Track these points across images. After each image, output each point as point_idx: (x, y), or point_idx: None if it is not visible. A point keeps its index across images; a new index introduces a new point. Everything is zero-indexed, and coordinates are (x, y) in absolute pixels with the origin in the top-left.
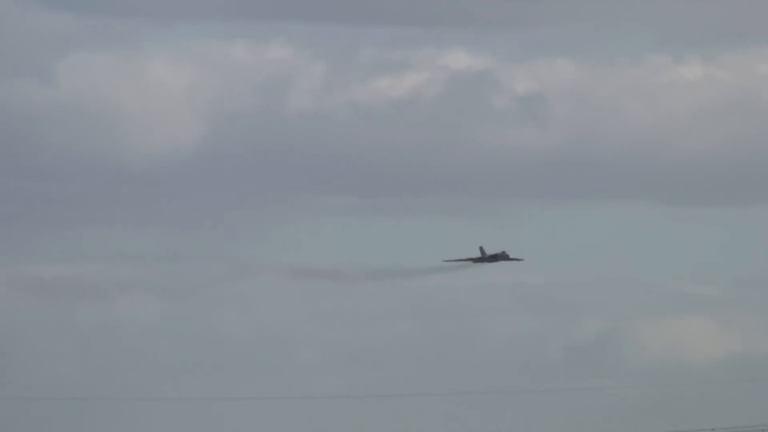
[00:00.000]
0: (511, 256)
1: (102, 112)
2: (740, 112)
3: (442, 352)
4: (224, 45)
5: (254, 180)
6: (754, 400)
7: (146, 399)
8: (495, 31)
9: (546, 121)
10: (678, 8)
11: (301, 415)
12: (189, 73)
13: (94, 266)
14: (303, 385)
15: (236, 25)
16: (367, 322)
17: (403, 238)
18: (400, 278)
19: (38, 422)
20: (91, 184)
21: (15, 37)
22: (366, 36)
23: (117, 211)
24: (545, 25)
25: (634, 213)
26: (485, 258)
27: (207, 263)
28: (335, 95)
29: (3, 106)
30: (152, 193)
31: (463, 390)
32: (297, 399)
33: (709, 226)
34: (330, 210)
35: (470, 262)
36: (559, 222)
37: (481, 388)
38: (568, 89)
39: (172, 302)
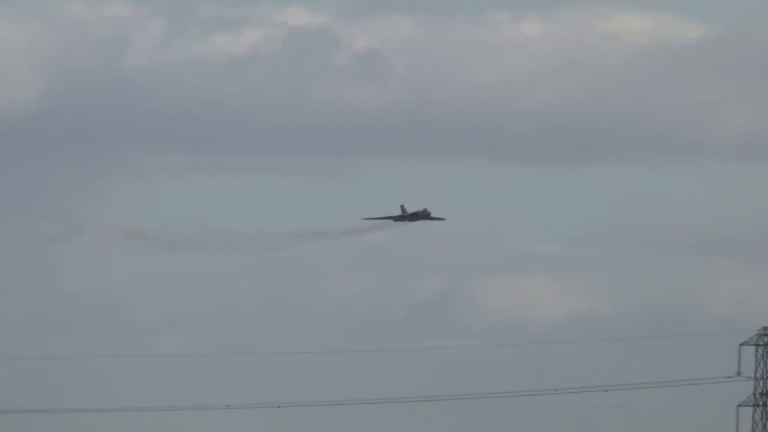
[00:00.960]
0: (432, 215)
1: None
2: (580, 69)
3: (284, 312)
4: (63, 1)
5: (93, 137)
6: (595, 360)
7: None
8: None
9: (385, 78)
10: None
11: (139, 374)
12: (28, 30)
13: None
14: (140, 344)
15: None
16: (207, 282)
17: (243, 195)
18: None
19: None
20: None
21: None
22: None
23: None
24: None
25: (474, 170)
26: (406, 216)
27: (42, 221)
28: (174, 52)
29: None
30: None
31: (305, 349)
32: (135, 358)
33: (548, 184)
34: (168, 167)
35: (390, 221)
36: (397, 179)
37: (322, 347)
38: (406, 46)
39: (6, 261)
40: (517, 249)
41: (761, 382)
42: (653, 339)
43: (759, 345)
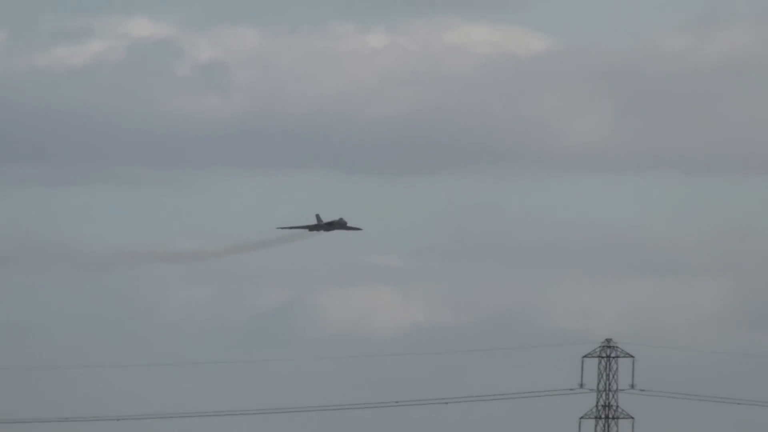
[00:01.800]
0: (349, 224)
1: None
2: (425, 80)
3: (123, 323)
4: None
5: None
6: (438, 372)
7: None
8: None
9: (228, 89)
10: None
11: None
12: None
13: None
14: None
15: None
16: (34, 294)
17: (84, 206)
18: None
19: None
20: None
21: None
22: (48, 3)
23: None
24: None
25: (318, 180)
26: (321, 226)
27: None
28: (16, 62)
29: None
30: None
31: (145, 362)
32: None
33: (392, 195)
34: (8, 178)
35: (305, 230)
36: (241, 190)
37: (163, 359)
38: (251, 57)
39: None
40: (360, 260)
41: (603, 395)
42: (496, 351)
43: (602, 357)
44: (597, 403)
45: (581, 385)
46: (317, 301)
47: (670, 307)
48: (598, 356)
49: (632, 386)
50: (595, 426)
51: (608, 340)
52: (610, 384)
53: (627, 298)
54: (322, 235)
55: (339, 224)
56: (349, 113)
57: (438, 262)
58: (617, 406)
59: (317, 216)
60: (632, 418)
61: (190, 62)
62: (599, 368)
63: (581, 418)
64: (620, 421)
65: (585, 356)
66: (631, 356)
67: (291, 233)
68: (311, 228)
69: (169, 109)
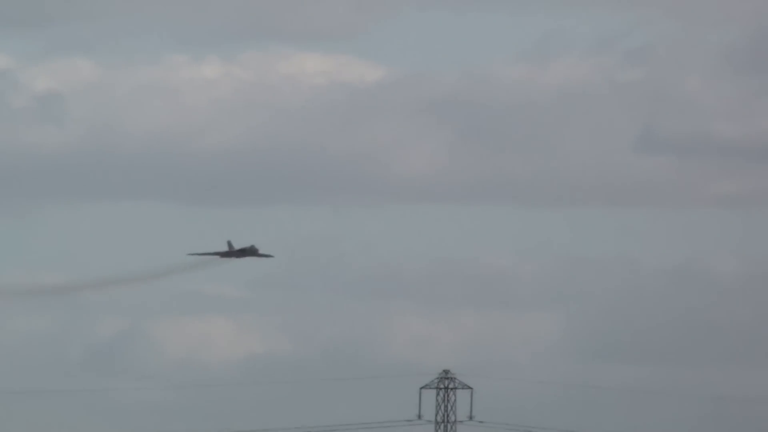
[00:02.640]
0: (260, 251)
1: None
2: (260, 110)
3: None
4: None
5: None
6: (275, 403)
7: None
8: (14, 30)
9: (64, 120)
10: (197, 8)
11: None
12: None
13: None
14: None
15: None
16: None
17: None
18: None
19: None
20: None
21: None
22: None
23: None
24: (63, 24)
25: (155, 211)
26: (233, 252)
27: None
28: None
29: None
30: None
31: None
32: None
33: (227, 225)
34: None
35: (217, 257)
36: (79, 221)
37: None
38: (86, 88)
39: None
40: (195, 290)
41: (442, 426)
42: (334, 381)
43: (440, 388)
44: None
45: (419, 417)
46: (153, 331)
47: (507, 338)
48: (436, 387)
49: (470, 418)
50: None
51: (446, 372)
52: (448, 415)
53: (465, 329)
54: (233, 261)
55: (251, 251)
56: (184, 144)
57: (274, 292)
58: None
59: (228, 242)
60: None
61: (25, 93)
62: (437, 399)
63: None
64: None
65: (423, 387)
66: (470, 387)
67: (202, 260)
68: (223, 254)
69: (5, 141)
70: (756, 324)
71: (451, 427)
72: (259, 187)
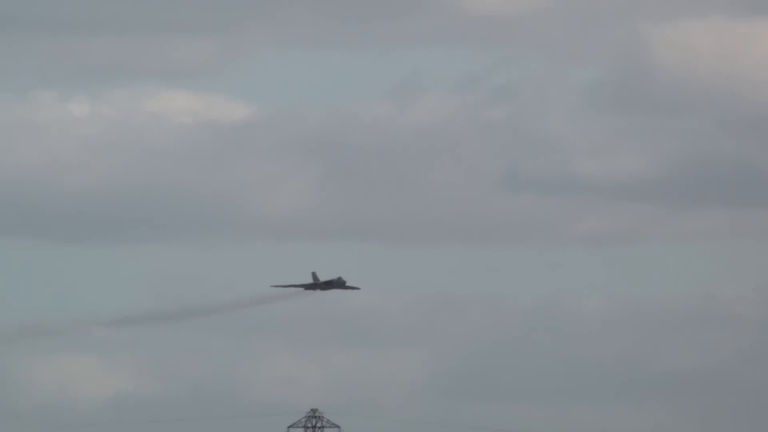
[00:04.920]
0: (347, 284)
1: None
2: (128, 148)
3: None
4: None
5: None
6: None
7: None
8: None
9: None
10: (65, 46)
11: None
12: None
13: None
14: None
15: None
16: None
17: None
18: None
19: None
20: None
21: None
22: None
23: None
24: None
25: (22, 249)
26: (318, 285)
27: None
28: None
29: None
30: None
31: None
32: None
33: (95, 263)
34: None
35: (301, 289)
36: None
37: None
38: None
39: None
40: (63, 328)
41: None
42: (203, 421)
43: (307, 427)
44: None
45: None
46: (20, 370)
47: (374, 376)
48: (304, 426)
49: None
50: None
51: (314, 410)
52: None
53: (332, 368)
54: (318, 294)
55: (337, 283)
56: (52, 182)
57: (142, 330)
58: None
59: (313, 274)
60: None
61: None
62: None
63: None
64: None
65: (291, 426)
66: (337, 426)
67: (286, 292)
68: (307, 287)
69: None
70: (618, 361)
71: None
72: (126, 225)
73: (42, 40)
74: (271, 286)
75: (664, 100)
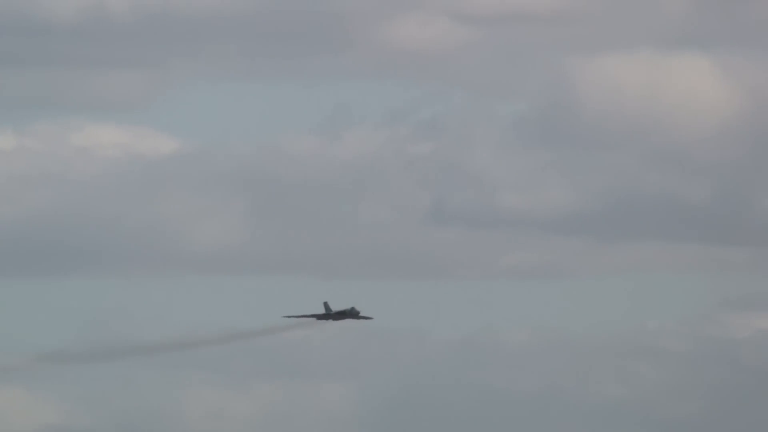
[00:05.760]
0: (361, 314)
1: None
2: (53, 183)
3: None
4: None
5: None
6: None
7: None
8: None
9: None
10: None
11: None
12: None
13: None
14: None
15: None
16: None
17: None
18: None
19: None
20: None
21: None
22: None
23: None
24: None
25: None
26: (330, 315)
27: None
28: None
29: None
30: None
31: None
32: None
33: (20, 296)
34: None
35: (313, 319)
36: None
37: None
38: None
39: None
40: None
41: None
42: None
43: None
44: None
45: None
46: None
47: (300, 409)
48: None
49: None
50: None
51: None
52: None
53: (259, 401)
54: (331, 324)
55: (351, 313)
56: None
57: (68, 364)
58: None
59: (325, 304)
60: None
61: None
62: None
63: None
64: None
65: None
66: None
67: (297, 322)
68: (319, 317)
69: None
70: (546, 394)
71: None
72: (51, 259)
73: None
74: (284, 317)
75: (590, 135)
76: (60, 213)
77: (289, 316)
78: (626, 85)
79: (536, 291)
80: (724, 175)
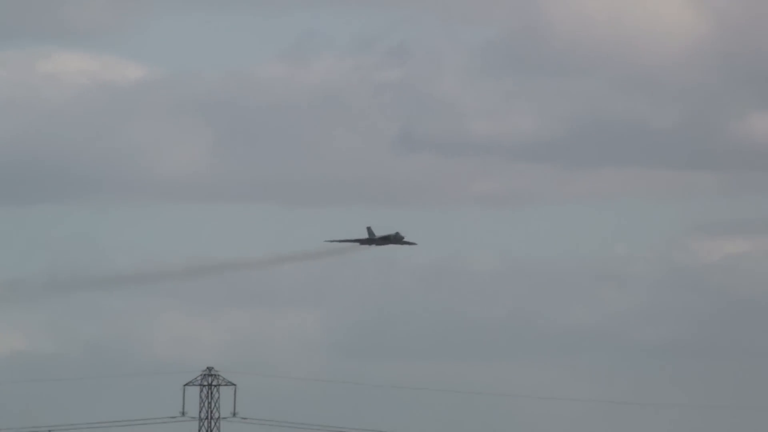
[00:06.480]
0: (405, 239)
1: None
2: (23, 110)
3: None
4: None
5: None
6: (38, 401)
7: None
8: None
9: None
10: None
11: None
12: None
13: None
14: None
15: None
16: None
17: None
18: None
19: None
20: None
21: None
22: None
23: None
24: None
25: None
26: (374, 240)
27: None
28: None
29: None
30: None
31: None
32: None
33: None
34: None
35: (356, 244)
36: None
37: None
38: None
39: None
40: None
41: (206, 423)
42: (97, 379)
43: (203, 385)
44: (199, 431)
45: (183, 414)
46: None
47: (270, 335)
48: (200, 384)
49: (234, 414)
50: None
51: (210, 369)
52: (212, 412)
53: (228, 327)
54: (374, 249)
55: (395, 239)
56: None
57: (36, 291)
58: None
59: (368, 229)
60: None
61: None
62: (201, 396)
63: None
64: None
65: (186, 384)
66: (233, 384)
67: (341, 246)
68: (362, 242)
69: None
70: (513, 320)
71: (215, 424)
72: (20, 187)
73: None
74: (326, 241)
75: (558, 61)
76: (27, 140)
77: (332, 241)
78: (593, 11)
79: (504, 218)
80: (692, 100)
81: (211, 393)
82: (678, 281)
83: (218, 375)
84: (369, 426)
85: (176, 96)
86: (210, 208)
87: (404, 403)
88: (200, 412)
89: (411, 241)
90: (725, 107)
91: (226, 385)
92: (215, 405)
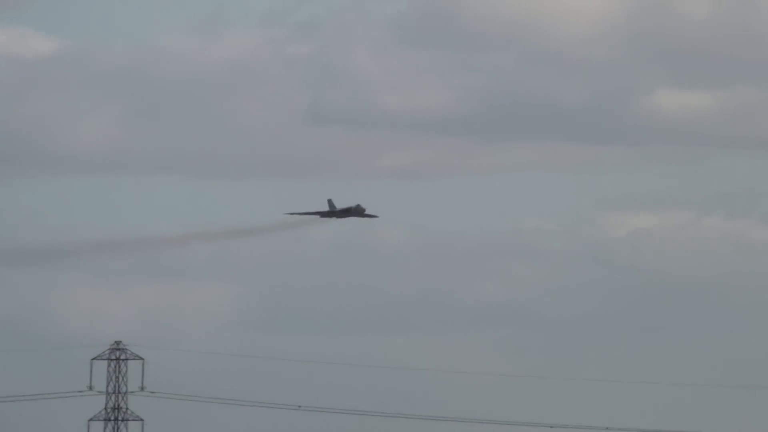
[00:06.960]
0: (366, 211)
1: None
2: None
3: None
4: None
5: None
6: None
7: None
8: None
9: None
10: None
11: None
12: None
13: None
14: None
15: None
16: None
17: None
18: None
19: None
20: None
21: None
22: None
23: None
24: None
25: None
26: (335, 212)
27: None
28: None
29: None
30: None
31: None
32: None
33: None
34: None
35: (317, 216)
36: None
37: None
38: None
39: None
40: None
41: (113, 397)
42: (4, 353)
43: (111, 359)
44: (106, 405)
45: (90, 388)
46: None
47: (179, 309)
48: (108, 358)
49: (142, 388)
50: (105, 428)
51: (117, 343)
52: (119, 386)
53: (136, 300)
54: (334, 222)
55: (356, 211)
56: None
57: None
58: (127, 408)
59: (329, 201)
60: (142, 420)
61: None
62: (108, 370)
63: (90, 420)
64: (129, 423)
65: (94, 359)
66: (141, 358)
67: (300, 219)
68: (323, 214)
69: None
70: (424, 294)
71: (122, 398)
72: None
73: None
74: (286, 214)
75: (468, 36)
76: None
77: (292, 213)
78: None
79: (414, 191)
80: (600, 75)
81: (119, 367)
82: (587, 255)
83: (126, 349)
84: (278, 400)
85: (85, 69)
86: (118, 180)
87: (315, 377)
88: (108, 386)
89: (372, 213)
90: (633, 83)
91: (134, 359)
92: (123, 379)
